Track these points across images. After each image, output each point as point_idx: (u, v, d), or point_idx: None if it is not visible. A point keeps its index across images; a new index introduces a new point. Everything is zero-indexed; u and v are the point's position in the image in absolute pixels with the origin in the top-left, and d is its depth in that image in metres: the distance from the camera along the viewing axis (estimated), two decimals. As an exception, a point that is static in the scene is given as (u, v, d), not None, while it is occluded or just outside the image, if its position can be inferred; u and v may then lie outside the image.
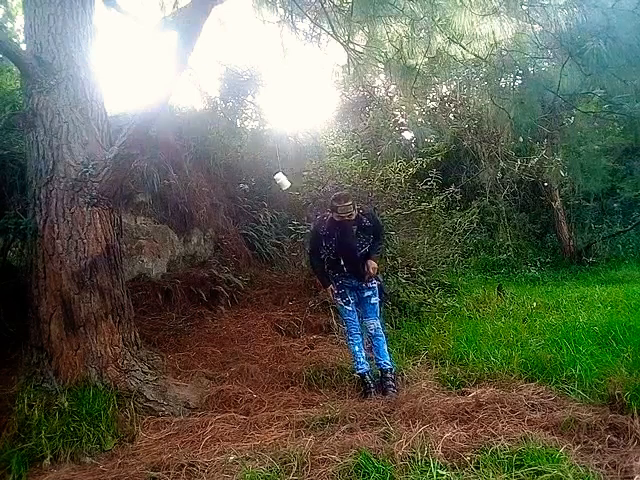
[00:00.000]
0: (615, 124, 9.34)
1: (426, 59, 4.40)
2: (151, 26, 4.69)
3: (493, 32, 3.97)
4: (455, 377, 3.30)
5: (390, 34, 4.49)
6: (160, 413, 3.08)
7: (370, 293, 3.42)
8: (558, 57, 4.10)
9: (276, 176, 4.17)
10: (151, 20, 5.01)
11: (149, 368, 3.36)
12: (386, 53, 4.60)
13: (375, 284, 3.46)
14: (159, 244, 5.73)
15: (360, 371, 3.37)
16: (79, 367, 3.05)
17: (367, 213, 3.44)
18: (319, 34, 5.09)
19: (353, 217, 3.26)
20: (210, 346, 4.30)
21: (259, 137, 8.35)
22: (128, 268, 5.03)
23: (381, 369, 3.39)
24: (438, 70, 4.54)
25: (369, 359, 3.49)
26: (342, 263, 3.39)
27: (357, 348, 3.43)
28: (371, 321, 3.43)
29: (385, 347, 3.44)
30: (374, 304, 3.43)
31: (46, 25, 3.43)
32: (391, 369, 3.38)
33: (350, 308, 3.46)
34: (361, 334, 3.50)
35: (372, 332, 3.43)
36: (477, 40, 4.09)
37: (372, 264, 3.34)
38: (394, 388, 3.24)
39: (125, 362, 3.21)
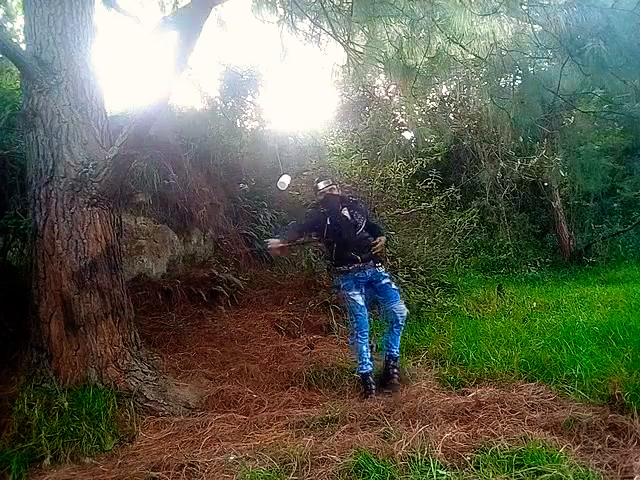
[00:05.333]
0: (615, 124, 9.35)
1: (426, 59, 4.39)
2: (151, 26, 4.69)
3: (493, 32, 3.96)
4: (455, 377, 3.30)
5: (390, 34, 4.48)
6: (160, 413, 3.08)
7: (388, 280, 3.46)
8: (558, 57, 4.09)
9: (282, 179, 3.99)
10: (151, 20, 5.02)
11: (149, 368, 3.35)
12: (386, 53, 4.59)
13: (387, 276, 3.50)
14: (159, 244, 5.73)
15: (364, 371, 3.37)
16: (79, 367, 3.05)
17: (349, 194, 3.69)
18: (319, 34, 5.08)
19: (335, 191, 3.51)
20: (210, 346, 4.30)
21: (259, 137, 8.33)
22: (128, 268, 5.02)
23: (391, 356, 3.44)
24: (438, 70, 4.52)
25: (372, 359, 3.49)
26: (347, 247, 3.37)
27: (365, 348, 3.41)
28: (401, 306, 3.40)
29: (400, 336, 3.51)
30: (395, 289, 3.47)
31: (46, 25, 3.42)
32: (398, 357, 3.49)
33: (362, 303, 3.42)
34: (370, 333, 3.50)
35: (400, 319, 3.38)
36: (477, 40, 4.08)
37: (378, 239, 3.42)
38: (398, 375, 3.36)
39: (125, 362, 3.21)
